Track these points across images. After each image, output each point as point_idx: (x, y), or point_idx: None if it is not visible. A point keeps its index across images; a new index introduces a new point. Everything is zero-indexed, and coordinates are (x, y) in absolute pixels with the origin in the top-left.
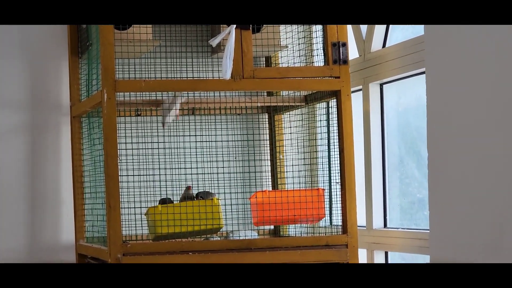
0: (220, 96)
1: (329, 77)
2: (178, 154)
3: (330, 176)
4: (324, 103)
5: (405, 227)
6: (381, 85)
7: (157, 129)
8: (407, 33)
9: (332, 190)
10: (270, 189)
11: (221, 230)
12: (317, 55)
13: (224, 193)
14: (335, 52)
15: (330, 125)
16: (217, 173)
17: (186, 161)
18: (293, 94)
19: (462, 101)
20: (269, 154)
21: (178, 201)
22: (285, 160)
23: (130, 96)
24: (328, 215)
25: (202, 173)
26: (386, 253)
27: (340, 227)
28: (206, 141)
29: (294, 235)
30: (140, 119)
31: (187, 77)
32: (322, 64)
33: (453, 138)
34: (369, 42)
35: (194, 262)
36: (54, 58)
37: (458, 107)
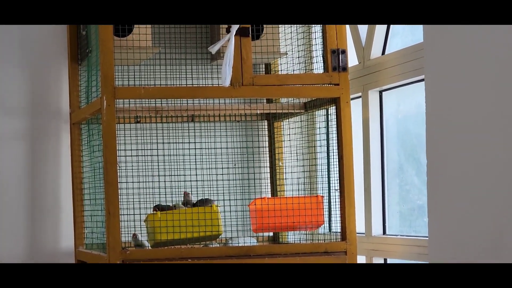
0: (219, 103)
1: (328, 84)
2: (178, 161)
3: (329, 183)
4: (323, 110)
5: (404, 234)
6: (381, 92)
7: (157, 136)
8: (406, 40)
9: (331, 197)
10: (269, 196)
11: (220, 236)
12: (317, 62)
13: (224, 199)
14: (335, 59)
15: (330, 132)
16: (216, 180)
17: (185, 168)
18: (292, 101)
19: (461, 108)
20: (268, 161)
21: (179, 205)
22: (284, 167)
23: (129, 103)
24: (327, 222)
25: (202, 180)
26: (385, 260)
27: (339, 234)
28: (205, 148)
29: (293, 242)
30: (140, 126)
31: (186, 84)
32: (321, 71)
33: (452, 145)
34: (368, 49)
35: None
36: (54, 65)
37: (457, 114)
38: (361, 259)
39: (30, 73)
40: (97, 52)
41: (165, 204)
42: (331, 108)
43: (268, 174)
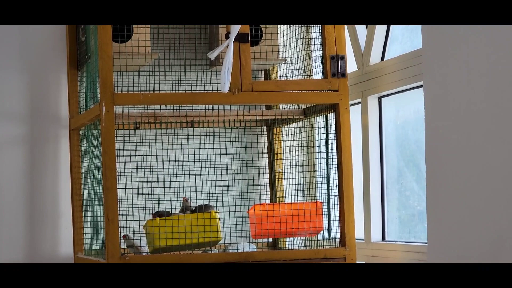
0: (218, 109)
1: (327, 90)
2: (177, 167)
3: (328, 189)
4: (322, 116)
5: (403, 240)
6: (380, 98)
7: (156, 142)
8: (405, 47)
9: (331, 203)
10: (269, 202)
11: (219, 243)
12: (316, 68)
13: (223, 206)
14: (334, 65)
15: (329, 138)
16: (216, 186)
17: (184, 174)
18: (291, 107)
19: (460, 114)
20: (267, 167)
21: (177, 213)
22: (283, 173)
23: (128, 109)
24: (327, 228)
25: (201, 186)
26: None
27: (338, 240)
28: (204, 154)
29: (292, 248)
30: (139, 132)
31: (185, 90)
32: (320, 77)
33: (451, 151)
34: (367, 55)
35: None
36: (53, 71)
37: (456, 120)
38: None
39: (30, 79)
40: (96, 58)
41: (164, 210)
42: (330, 114)
43: (268, 180)
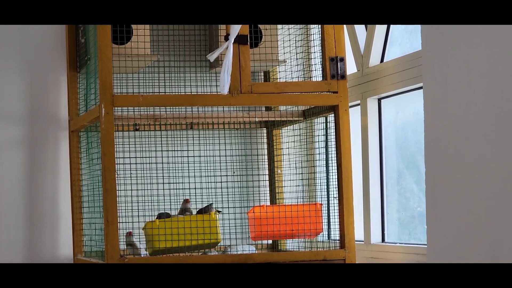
0: (218, 111)
1: (327, 92)
2: (176, 169)
3: (328, 191)
4: (322, 118)
5: (403, 241)
6: (379, 100)
7: (155, 144)
8: (405, 48)
9: (330, 205)
10: (268, 203)
11: (219, 244)
12: (315, 70)
13: (222, 207)
14: (333, 67)
15: (328, 140)
16: (215, 188)
17: (184, 175)
18: (291, 109)
19: (460, 116)
20: (267, 168)
21: (177, 215)
22: (283, 174)
23: (128, 111)
24: (326, 229)
25: (200, 188)
26: None
27: (338, 241)
28: (204, 156)
29: (292, 249)
30: (138, 134)
31: (185, 92)
32: (320, 79)
33: (451, 152)
34: (367, 57)
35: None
36: (52, 73)
37: (456, 122)
38: None
39: (29, 81)
40: (96, 60)
41: (165, 212)
42: (330, 115)
43: (267, 182)
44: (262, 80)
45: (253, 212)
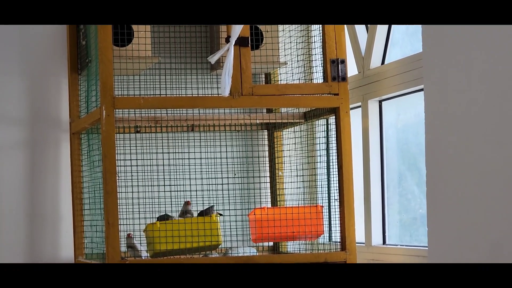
0: (219, 113)
1: (328, 94)
2: (177, 171)
3: (329, 193)
4: (323, 120)
5: (404, 243)
6: (380, 102)
7: (156, 146)
8: (405, 50)
9: (331, 207)
10: (269, 205)
11: (219, 246)
12: (316, 72)
13: (223, 209)
14: (334, 69)
15: (329, 142)
16: (216, 190)
17: (185, 177)
18: (292, 111)
19: (461, 118)
20: (268, 170)
21: (177, 217)
22: (284, 176)
23: (129, 113)
24: (327, 231)
25: (201, 190)
26: None
27: (339, 243)
28: (205, 158)
29: (293, 252)
30: (139, 136)
31: (186, 94)
32: (321, 81)
33: (452, 154)
34: (368, 59)
35: None
36: (54, 75)
37: (456, 124)
38: None
39: (30, 83)
40: (97, 62)
41: (166, 214)
42: (331, 117)
43: (268, 184)
44: (263, 82)
45: (254, 214)
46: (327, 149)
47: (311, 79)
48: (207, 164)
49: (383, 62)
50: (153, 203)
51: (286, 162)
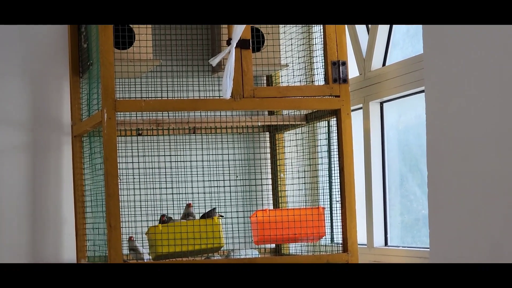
0: (220, 115)
1: (329, 96)
2: (179, 173)
3: (330, 195)
4: (324, 121)
5: (406, 245)
6: (381, 103)
7: (158, 149)
8: (406, 52)
9: (333, 209)
10: (271, 207)
11: (222, 249)
12: (317, 74)
13: (225, 211)
14: (335, 71)
15: (331, 144)
16: (218, 192)
17: (187, 180)
18: (293, 113)
19: (462, 119)
20: (270, 172)
21: (179, 219)
22: (285, 178)
23: (130, 116)
24: (329, 233)
25: (203, 192)
26: None
27: (340, 245)
28: (207, 160)
29: (295, 253)
30: (141, 139)
31: (187, 97)
32: (322, 83)
33: (453, 156)
34: (369, 61)
35: None
36: (55, 78)
37: (458, 125)
38: None
39: (32, 86)
40: (98, 65)
41: (168, 216)
42: (332, 119)
43: (270, 186)
44: (265, 84)
45: (256, 216)
46: (329, 151)
47: (312, 81)
48: (208, 166)
49: (384, 64)
50: (155, 206)
51: (287, 164)
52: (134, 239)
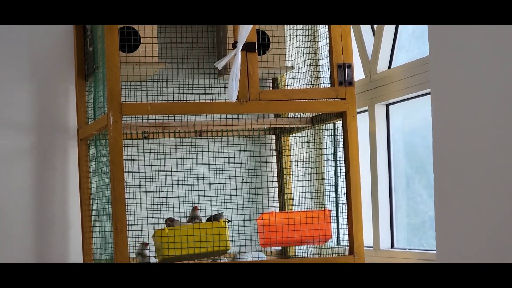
0: (226, 118)
1: (334, 98)
2: (185, 176)
3: (336, 197)
4: (330, 124)
5: (412, 247)
6: (387, 106)
7: (164, 152)
8: (412, 54)
9: (339, 211)
10: (277, 210)
11: (228, 252)
12: (323, 76)
13: (231, 214)
14: (341, 74)
15: (336, 146)
16: (224, 195)
17: (193, 183)
18: (299, 115)
19: (468, 121)
20: (276, 175)
21: (186, 223)
22: (291, 181)
23: (136, 119)
24: (335, 236)
25: (210, 195)
26: None
27: (347, 248)
28: (213, 164)
29: (301, 256)
30: (147, 142)
31: (193, 100)
32: (328, 85)
33: (459, 158)
34: (374, 63)
35: None
36: (61, 81)
37: (463, 127)
38: None
39: (38, 90)
40: (104, 68)
41: (174, 218)
42: (338, 122)
43: (276, 189)
44: (270, 87)
45: (262, 219)
46: (335, 153)
47: (318, 84)
48: (215, 169)
49: (389, 66)
50: (161, 209)
51: (293, 167)
52: (148, 245)
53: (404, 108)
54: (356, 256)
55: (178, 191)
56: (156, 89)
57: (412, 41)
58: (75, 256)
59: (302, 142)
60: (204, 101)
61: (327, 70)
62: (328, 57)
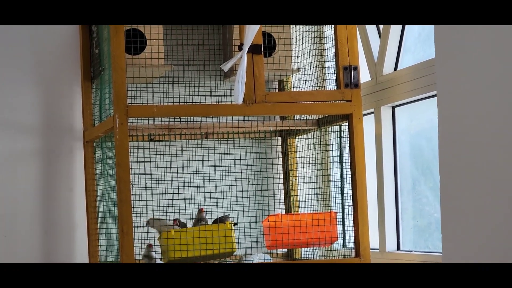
0: (232, 120)
1: (340, 101)
2: (190, 179)
3: (342, 199)
4: (336, 126)
5: (419, 249)
6: (393, 108)
7: (170, 154)
8: (418, 56)
9: (345, 213)
10: (283, 212)
11: (234, 254)
12: (329, 78)
13: (237, 216)
14: (347, 76)
15: (342, 148)
16: (230, 197)
17: (199, 185)
18: (305, 117)
19: (474, 124)
20: (282, 177)
21: (192, 225)
22: (298, 183)
23: (142, 121)
24: (341, 238)
25: (216, 197)
26: None
27: (353, 250)
28: (219, 166)
29: (307, 258)
30: (153, 144)
31: (199, 102)
32: (334, 87)
33: (465, 160)
34: (380, 65)
35: None
36: (67, 83)
37: (469, 130)
38: None
39: (44, 92)
40: (110, 70)
41: (181, 221)
42: (344, 124)
43: (282, 191)
44: (276, 89)
45: (268, 221)
46: (340, 155)
47: (324, 86)
48: (221, 171)
49: (395, 68)
50: (167, 211)
51: (299, 169)
52: (153, 247)
53: (410, 110)
54: (362, 258)
55: (184, 193)
56: (162, 91)
57: (418, 43)
58: (81, 258)
59: (308, 144)
60: (210, 103)
61: (333, 72)
62: (334, 59)
